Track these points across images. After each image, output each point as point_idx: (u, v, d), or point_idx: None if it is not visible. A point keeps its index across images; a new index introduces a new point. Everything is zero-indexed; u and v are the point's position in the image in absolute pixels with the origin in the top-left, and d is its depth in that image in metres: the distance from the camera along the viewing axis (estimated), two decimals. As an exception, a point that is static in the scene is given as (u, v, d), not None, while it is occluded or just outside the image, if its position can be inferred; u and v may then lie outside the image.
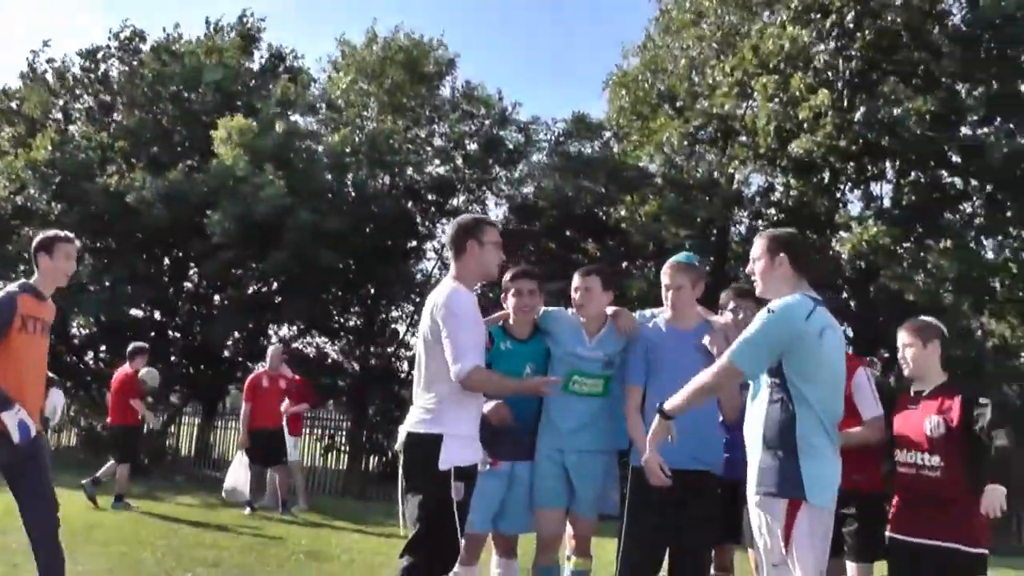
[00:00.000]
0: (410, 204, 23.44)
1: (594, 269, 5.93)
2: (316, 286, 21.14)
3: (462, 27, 62.28)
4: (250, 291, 22.24)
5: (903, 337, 5.20)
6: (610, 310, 5.76)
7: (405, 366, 24.85)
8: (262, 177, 19.44)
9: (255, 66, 26.35)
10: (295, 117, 23.39)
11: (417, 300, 23.54)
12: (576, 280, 5.72)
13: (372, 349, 23.85)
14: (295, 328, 23.88)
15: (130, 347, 14.28)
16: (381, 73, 23.80)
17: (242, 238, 19.60)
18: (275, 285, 22.36)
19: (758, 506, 4.20)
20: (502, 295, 5.90)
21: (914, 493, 4.92)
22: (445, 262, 24.34)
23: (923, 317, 5.39)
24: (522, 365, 5.68)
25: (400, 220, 22.38)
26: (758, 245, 4.48)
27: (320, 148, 22.42)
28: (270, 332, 23.42)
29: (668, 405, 4.36)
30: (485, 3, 61.48)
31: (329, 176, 21.69)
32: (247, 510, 13.66)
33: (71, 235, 5.88)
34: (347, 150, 21.63)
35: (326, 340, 24.61)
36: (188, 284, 24.57)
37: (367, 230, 22.05)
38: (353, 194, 22.36)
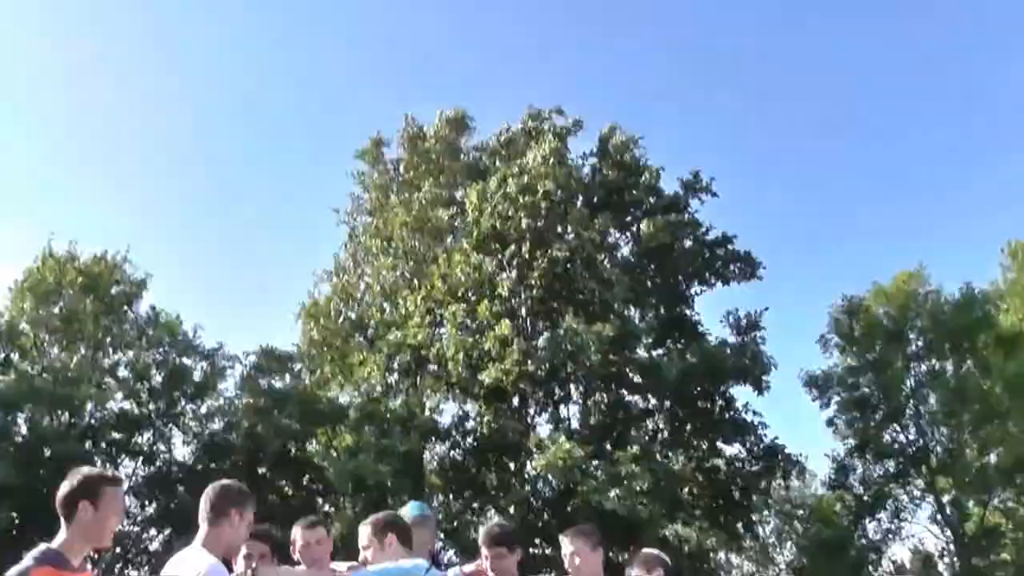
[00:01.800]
0: (88, 445, 21.49)
1: (316, 520, 5.40)
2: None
3: (140, 238, 60.17)
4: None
5: (630, 572, 5.14)
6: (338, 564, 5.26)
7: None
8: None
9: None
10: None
11: (94, 557, 21.29)
12: (300, 533, 5.11)
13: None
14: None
15: None
16: (59, 297, 22.27)
17: None
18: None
19: None
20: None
21: None
22: (126, 511, 22.39)
23: (647, 550, 5.37)
24: None
25: (77, 463, 20.32)
26: (363, 534, 4.51)
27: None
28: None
29: None
30: (168, 224, 60.27)
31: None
32: None
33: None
34: (21, 386, 19.75)
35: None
36: None
37: (39, 475, 19.97)
38: (23, 435, 20.35)
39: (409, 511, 5.27)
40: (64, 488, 3.92)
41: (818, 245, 56.98)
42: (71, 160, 56.39)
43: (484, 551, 5.29)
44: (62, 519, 3.86)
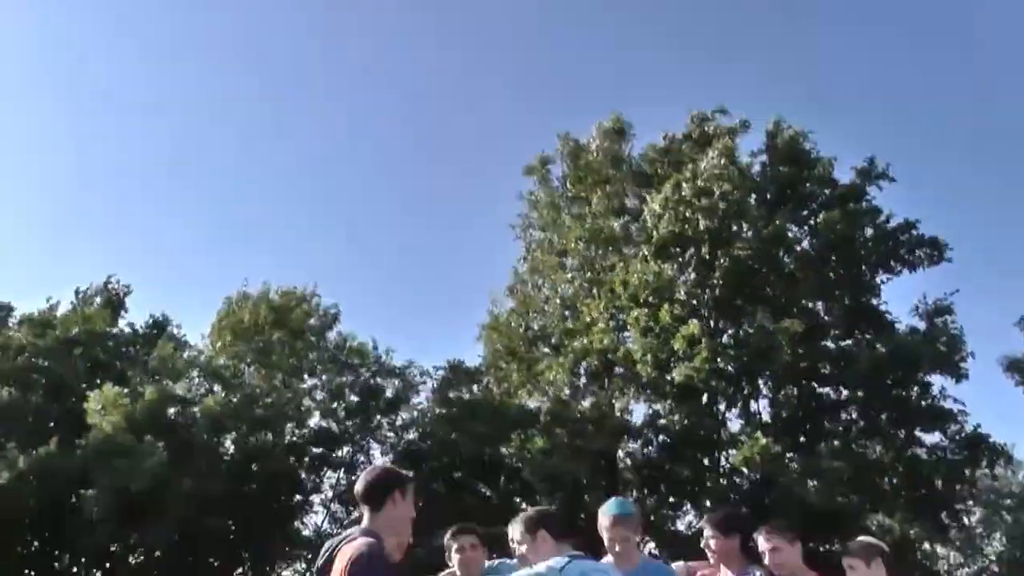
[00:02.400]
0: (292, 459, 22.74)
1: (469, 528, 5.76)
2: (200, 555, 20.08)
3: (329, 276, 63.66)
4: (131, 566, 20.78)
5: (847, 560, 5.30)
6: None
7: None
8: (141, 447, 18.82)
9: (125, 330, 26.04)
10: (167, 382, 22.93)
11: (309, 556, 22.65)
12: (517, 531, 5.68)
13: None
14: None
15: None
16: (256, 332, 23.77)
17: (120, 512, 18.69)
18: (155, 557, 21.03)
19: None
20: (445, 553, 5.76)
21: None
22: (335, 516, 23.65)
23: (863, 538, 5.40)
24: None
25: (284, 477, 21.76)
26: (516, 531, 4.74)
27: (197, 411, 21.91)
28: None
29: None
30: (352, 252, 63.32)
31: (206, 438, 21.11)
32: None
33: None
34: (224, 411, 21.24)
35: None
36: (57, 565, 22.98)
37: (250, 490, 21.39)
38: (232, 454, 21.80)
39: (608, 509, 5.41)
40: (372, 479, 4.29)
41: (1009, 221, 54.24)
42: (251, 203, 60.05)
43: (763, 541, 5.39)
44: (367, 509, 4.22)
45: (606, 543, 5.39)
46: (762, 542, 5.14)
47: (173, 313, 26.99)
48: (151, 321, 26.74)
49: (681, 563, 5.65)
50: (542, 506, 5.68)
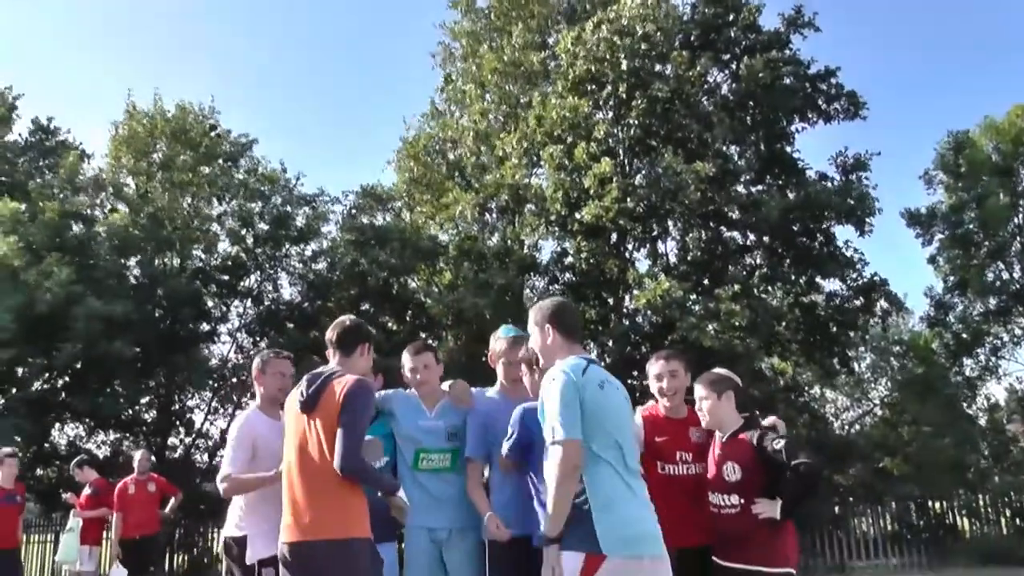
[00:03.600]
0: (199, 286, 22.30)
1: (424, 345, 5.80)
2: (105, 378, 19.87)
3: (235, 94, 61.53)
4: (34, 389, 20.28)
5: (699, 391, 5.36)
6: (445, 384, 5.64)
7: (205, 457, 23.75)
8: (44, 265, 18.29)
9: (17, 140, 25.01)
10: (68, 196, 22.17)
11: (215, 386, 22.61)
12: (409, 359, 5.59)
13: (168, 442, 22.58)
14: (84, 426, 22.27)
15: None
16: (151, 148, 23.01)
17: (23, 333, 18.30)
18: (60, 382, 20.79)
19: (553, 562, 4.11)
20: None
21: (722, 527, 5.15)
22: (241, 345, 23.55)
23: (716, 369, 5.55)
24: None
25: (190, 303, 21.42)
26: (530, 322, 4.53)
27: (101, 232, 21.32)
28: (53, 433, 21.62)
29: (550, 532, 4.16)
30: (261, 74, 61.26)
31: (112, 259, 20.62)
32: None
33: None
34: (129, 231, 20.68)
35: (119, 435, 22.95)
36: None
37: (156, 314, 21.08)
38: (138, 277, 21.37)
39: (505, 332, 5.48)
40: (347, 327, 4.88)
41: (925, 81, 54.92)
42: (151, 13, 57.19)
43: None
44: (339, 354, 4.82)
45: (503, 369, 5.45)
46: (697, 390, 5.36)
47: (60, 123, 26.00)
48: (36, 128, 25.66)
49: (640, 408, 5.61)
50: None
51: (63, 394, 20.57)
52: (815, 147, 38.04)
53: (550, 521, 4.12)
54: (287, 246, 23.50)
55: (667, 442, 5.35)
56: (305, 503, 4.43)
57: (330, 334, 4.82)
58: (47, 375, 20.52)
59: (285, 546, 4.45)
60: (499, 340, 5.48)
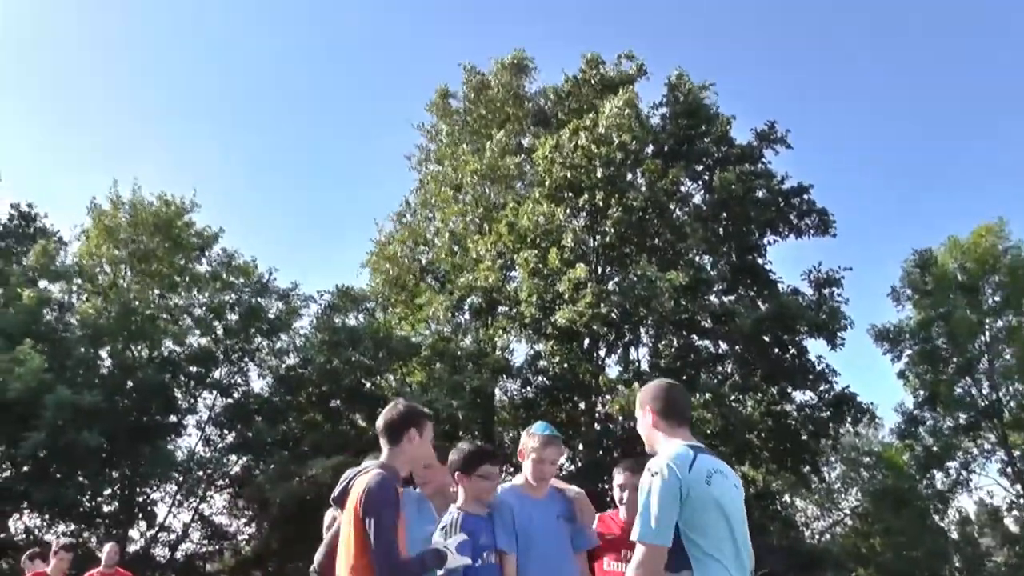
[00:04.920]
0: (168, 377, 22.00)
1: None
2: (70, 468, 19.48)
3: (212, 189, 61.88)
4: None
5: (619, 479, 5.25)
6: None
7: (166, 551, 23.23)
8: (18, 353, 18.14)
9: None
10: (44, 284, 22.10)
11: (180, 478, 22.23)
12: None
13: (129, 534, 22.03)
14: (42, 518, 21.67)
15: None
16: (133, 239, 22.95)
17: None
18: (24, 469, 20.33)
19: None
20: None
21: None
22: (208, 438, 23.25)
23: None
24: None
25: (159, 393, 21.18)
26: (637, 402, 4.27)
27: (73, 320, 21.23)
28: (9, 524, 21.02)
29: None
30: (238, 171, 61.62)
31: (83, 349, 20.48)
32: None
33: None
34: (101, 320, 20.58)
35: (79, 527, 22.28)
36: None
37: (124, 404, 20.83)
38: (108, 367, 21.18)
39: (539, 428, 5.11)
40: (392, 415, 4.49)
41: (892, 198, 56.13)
42: (133, 113, 57.81)
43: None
44: (386, 443, 4.45)
45: (532, 466, 5.04)
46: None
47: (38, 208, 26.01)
48: (16, 213, 25.65)
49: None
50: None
51: (24, 484, 20.12)
52: (786, 259, 38.58)
53: None
54: (258, 339, 23.38)
55: (618, 540, 5.25)
56: None
57: (377, 422, 4.55)
58: (9, 464, 20.07)
59: None
60: (533, 436, 5.09)
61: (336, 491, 4.54)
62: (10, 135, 50.16)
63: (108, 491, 21.96)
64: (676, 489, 3.81)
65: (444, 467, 5.49)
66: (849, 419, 20.94)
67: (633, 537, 3.88)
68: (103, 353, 21.82)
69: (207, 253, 24.03)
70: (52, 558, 11.64)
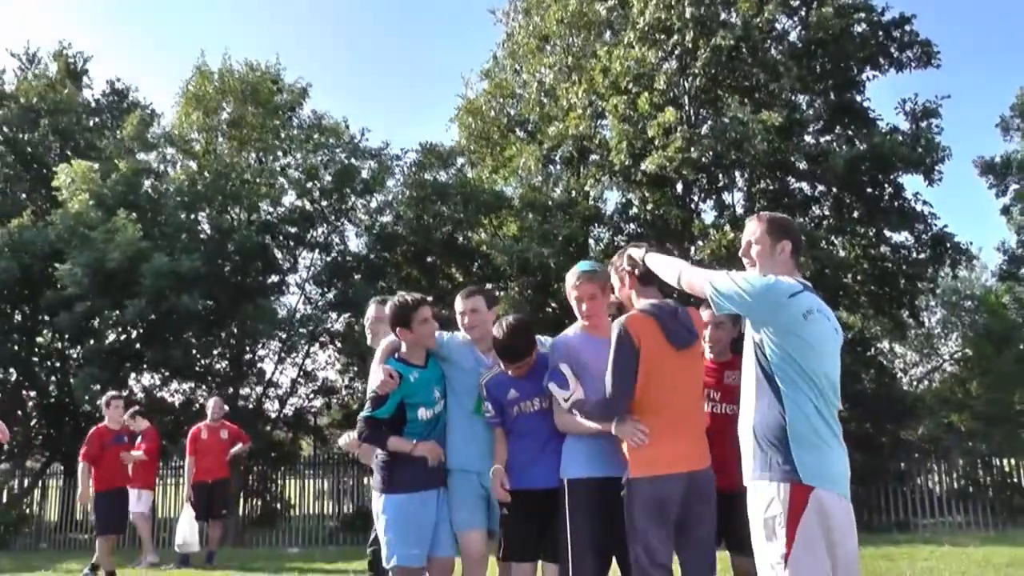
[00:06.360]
0: (267, 238, 22.64)
1: (476, 290, 5.70)
2: (177, 330, 20.34)
3: (301, 53, 61.73)
4: (108, 341, 20.81)
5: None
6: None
7: (276, 405, 24.30)
8: (113, 222, 18.77)
9: (90, 102, 25.52)
10: (140, 155, 22.68)
11: (283, 336, 23.04)
12: (460, 303, 5.52)
13: (240, 391, 23.13)
14: (158, 376, 22.87)
15: None
16: (220, 106, 23.31)
17: (96, 287, 18.87)
18: (134, 333, 21.33)
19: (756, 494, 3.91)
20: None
21: None
22: (309, 297, 23.95)
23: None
24: (431, 391, 5.46)
25: (258, 255, 21.82)
26: (757, 228, 4.19)
27: (170, 187, 21.80)
28: (131, 383, 22.22)
29: (650, 257, 4.61)
30: (326, 31, 61.18)
31: (182, 215, 21.07)
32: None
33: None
34: (197, 187, 21.07)
35: (192, 385, 23.49)
36: (41, 339, 23.46)
37: (225, 268, 21.50)
38: (207, 232, 21.78)
39: (574, 268, 5.26)
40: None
41: (1003, 29, 53.10)
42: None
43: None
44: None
45: (575, 305, 5.21)
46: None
47: (130, 82, 26.59)
48: (109, 90, 26.18)
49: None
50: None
51: (137, 345, 21.14)
52: (886, 96, 37.11)
53: (656, 258, 4.61)
54: (352, 199, 23.70)
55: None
56: None
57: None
58: (120, 328, 21.01)
59: None
60: (570, 275, 5.27)
61: None
62: (103, 17, 50.93)
63: (217, 351, 22.91)
64: (768, 300, 3.91)
65: (490, 313, 5.72)
66: (948, 261, 20.25)
67: (708, 277, 4.14)
68: (201, 216, 22.37)
69: (297, 113, 24.23)
70: (106, 409, 12.32)
